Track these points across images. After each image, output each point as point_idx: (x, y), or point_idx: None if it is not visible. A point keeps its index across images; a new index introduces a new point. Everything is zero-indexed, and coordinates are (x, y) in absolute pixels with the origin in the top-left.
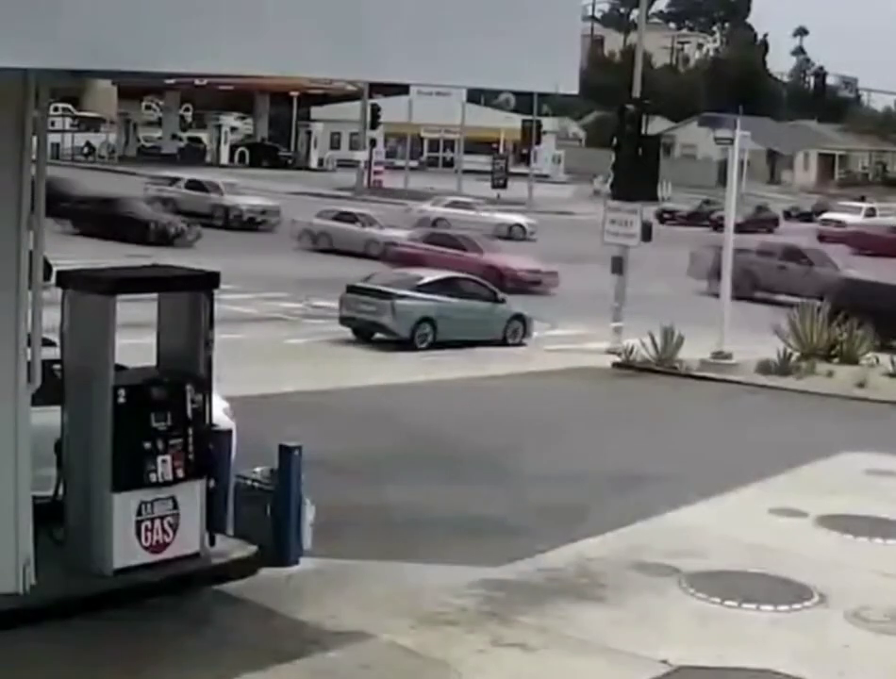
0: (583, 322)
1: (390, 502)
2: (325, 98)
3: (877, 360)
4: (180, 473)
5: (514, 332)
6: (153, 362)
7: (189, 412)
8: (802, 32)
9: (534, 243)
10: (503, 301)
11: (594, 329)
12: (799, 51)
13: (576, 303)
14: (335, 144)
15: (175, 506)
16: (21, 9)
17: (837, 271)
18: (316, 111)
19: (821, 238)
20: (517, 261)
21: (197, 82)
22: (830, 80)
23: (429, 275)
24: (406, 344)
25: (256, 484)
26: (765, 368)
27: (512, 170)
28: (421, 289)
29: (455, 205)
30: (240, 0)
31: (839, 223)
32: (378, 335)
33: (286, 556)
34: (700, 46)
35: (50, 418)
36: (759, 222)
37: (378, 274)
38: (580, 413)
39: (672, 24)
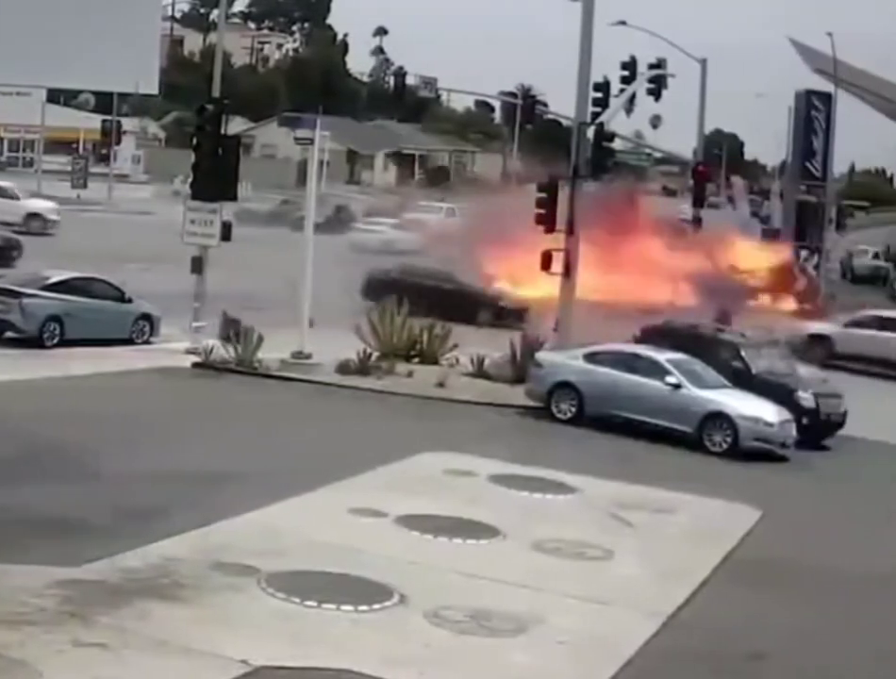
0: (164, 322)
1: None
2: None
3: (457, 360)
4: None
5: (141, 331)
6: None
7: None
8: (382, 32)
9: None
10: (129, 301)
11: (175, 329)
12: (379, 51)
13: (158, 303)
14: None
15: None
16: None
17: None
18: None
19: None
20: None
21: None
22: (410, 80)
23: (57, 275)
24: (35, 342)
25: None
26: (344, 368)
27: (93, 170)
28: (49, 288)
29: None
30: None
31: (420, 223)
32: (9, 333)
33: None
34: (280, 46)
35: None
36: (340, 222)
37: (8, 274)
38: (160, 413)
39: (251, 25)
